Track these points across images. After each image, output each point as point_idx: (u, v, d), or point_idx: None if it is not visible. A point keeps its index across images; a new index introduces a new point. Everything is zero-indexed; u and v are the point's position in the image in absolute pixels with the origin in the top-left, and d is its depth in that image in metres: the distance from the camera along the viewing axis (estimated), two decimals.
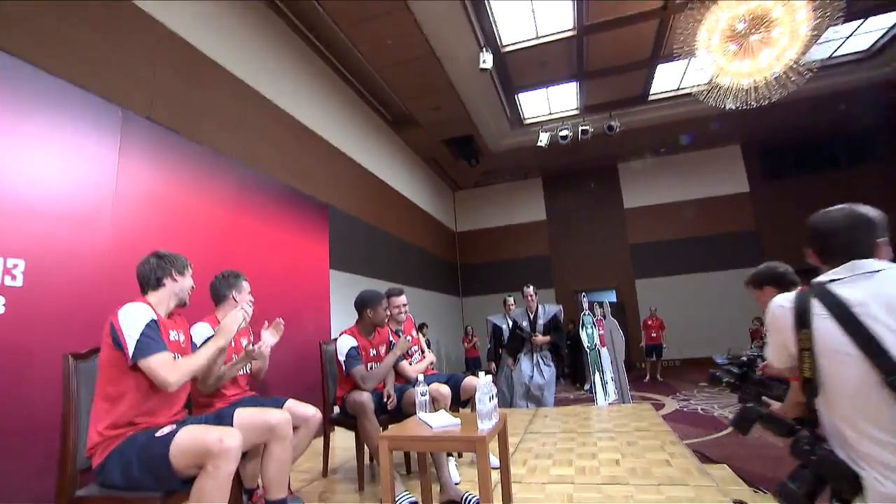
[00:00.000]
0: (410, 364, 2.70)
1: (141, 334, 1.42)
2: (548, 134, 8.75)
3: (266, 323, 2.07)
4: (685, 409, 5.57)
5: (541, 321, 4.47)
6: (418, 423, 1.76)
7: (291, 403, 2.01)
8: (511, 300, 5.02)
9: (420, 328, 7.80)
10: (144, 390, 1.47)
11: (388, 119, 8.29)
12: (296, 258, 3.66)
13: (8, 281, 1.76)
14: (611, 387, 5.17)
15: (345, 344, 2.39)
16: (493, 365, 5.06)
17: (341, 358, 2.37)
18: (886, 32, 7.60)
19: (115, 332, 1.43)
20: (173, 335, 1.61)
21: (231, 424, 1.54)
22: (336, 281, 5.30)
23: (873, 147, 9.94)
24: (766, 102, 5.53)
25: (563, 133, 8.59)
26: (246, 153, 4.46)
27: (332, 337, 3.31)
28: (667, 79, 8.14)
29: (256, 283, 3.16)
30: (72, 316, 1.94)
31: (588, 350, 5.25)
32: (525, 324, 4.52)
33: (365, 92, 7.37)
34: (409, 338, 2.63)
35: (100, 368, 1.46)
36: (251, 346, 1.94)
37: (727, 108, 7.95)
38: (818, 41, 5.12)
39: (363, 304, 2.50)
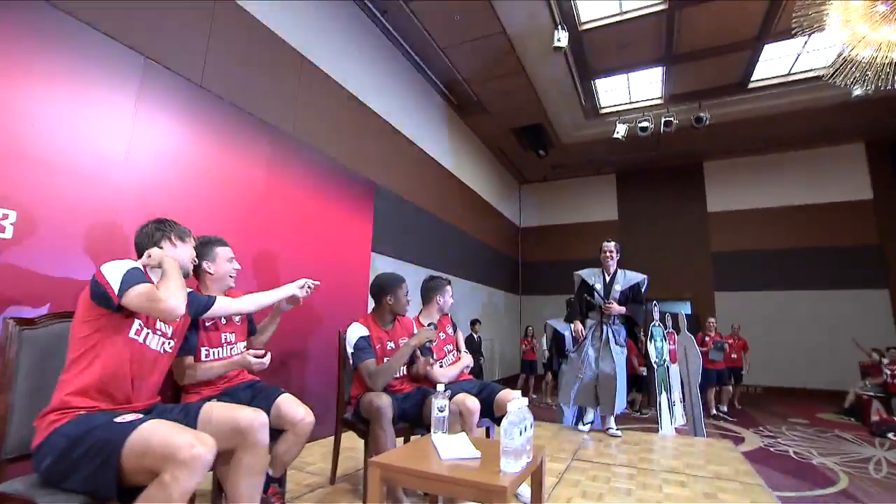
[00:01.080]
0: (441, 366, 2.30)
1: (126, 272, 1.24)
2: (626, 125, 7.92)
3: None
4: (772, 450, 4.69)
5: (618, 287, 3.52)
6: (429, 446, 1.36)
7: (283, 400, 1.70)
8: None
9: (472, 324, 7.40)
10: (117, 361, 1.24)
11: (454, 103, 7.92)
12: (335, 235, 3.41)
13: None
14: (678, 409, 4.46)
15: (354, 333, 2.05)
16: (550, 375, 4.49)
17: (349, 350, 2.04)
18: None
19: (95, 283, 1.22)
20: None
21: (195, 423, 1.25)
22: (379, 264, 5.05)
23: None
24: None
25: (644, 124, 7.72)
26: (289, 121, 4.27)
27: None
28: (774, 63, 7.00)
29: (289, 258, 2.95)
30: (61, 276, 1.76)
31: (656, 366, 4.55)
32: (598, 286, 3.55)
33: (429, 72, 7.04)
34: (432, 324, 2.22)
35: (70, 333, 1.24)
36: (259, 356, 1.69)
37: (854, 95, 6.72)
38: None
39: (381, 288, 2.14)
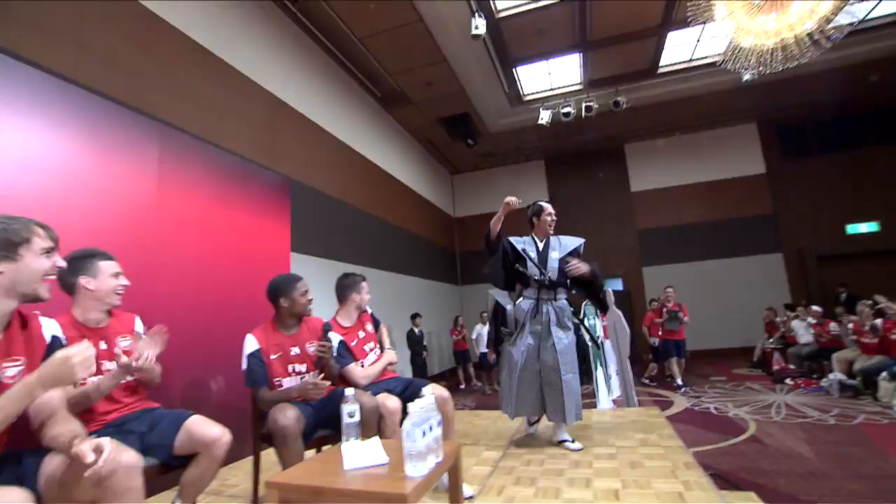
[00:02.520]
0: (363, 365, 2.19)
1: None
2: (549, 111, 8.14)
3: (141, 332, 1.59)
4: (696, 409, 5.06)
5: (555, 254, 2.84)
6: (337, 457, 1.27)
7: (193, 422, 1.52)
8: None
9: (413, 318, 7.32)
10: None
11: (378, 95, 7.72)
12: (246, 240, 3.17)
13: None
14: (615, 382, 4.66)
15: (245, 349, 1.92)
16: (495, 355, 4.01)
17: (243, 367, 1.89)
18: None
19: None
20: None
21: (35, 475, 1.05)
22: (303, 266, 4.83)
23: None
24: (794, 65, 4.87)
25: (566, 110, 7.97)
26: (188, 117, 3.93)
27: None
28: (678, 49, 7.47)
29: (193, 268, 2.70)
30: None
31: (590, 343, 4.72)
32: (532, 254, 2.84)
33: (350, 65, 6.80)
34: (325, 343, 2.04)
35: None
36: (130, 358, 1.46)
37: (745, 80, 7.34)
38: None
39: (273, 292, 2.00)
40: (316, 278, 4.97)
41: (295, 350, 1.99)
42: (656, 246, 10.25)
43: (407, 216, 8.57)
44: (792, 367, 6.56)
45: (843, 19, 4.75)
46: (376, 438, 1.37)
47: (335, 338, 2.11)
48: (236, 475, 2.52)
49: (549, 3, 6.05)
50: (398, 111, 8.26)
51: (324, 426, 1.92)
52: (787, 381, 6.10)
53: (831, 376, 5.35)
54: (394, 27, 6.03)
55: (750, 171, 9.87)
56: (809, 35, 4.80)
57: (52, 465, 1.07)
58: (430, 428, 1.10)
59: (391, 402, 1.87)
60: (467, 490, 1.90)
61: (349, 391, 1.42)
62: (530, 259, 2.82)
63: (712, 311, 9.31)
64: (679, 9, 6.12)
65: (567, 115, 7.96)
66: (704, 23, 4.97)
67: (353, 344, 2.19)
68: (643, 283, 10.24)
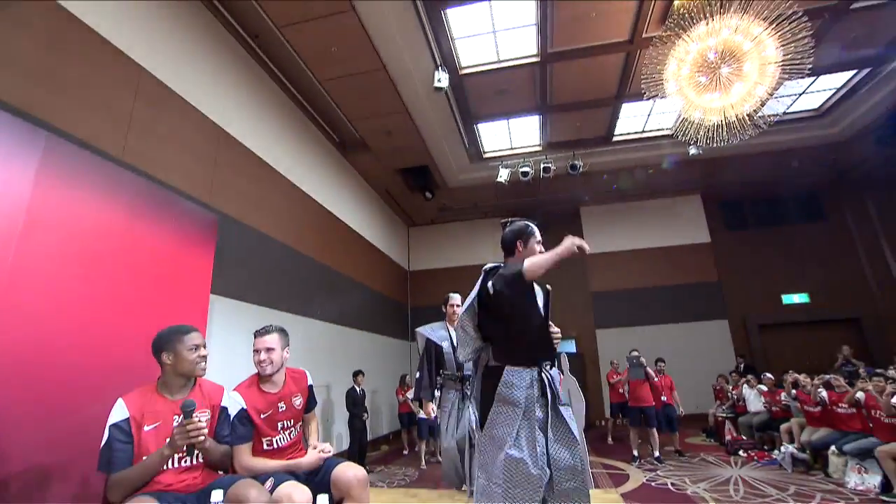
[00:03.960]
0: (269, 445, 1.71)
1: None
2: (508, 170, 8.24)
3: None
4: (653, 484, 4.74)
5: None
6: None
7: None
8: (457, 299, 3.52)
9: (355, 376, 6.63)
10: None
11: (336, 141, 7.54)
12: (161, 279, 2.67)
13: None
14: None
15: (112, 417, 1.45)
16: (433, 405, 3.29)
17: (102, 441, 1.41)
18: (836, 93, 7.72)
19: None
20: None
21: None
22: (227, 311, 4.29)
23: (818, 205, 10.16)
24: (737, 140, 5.18)
25: (524, 169, 8.10)
26: (113, 138, 3.49)
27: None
28: (631, 120, 7.90)
29: (82, 314, 2.17)
30: None
31: None
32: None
33: (308, 107, 6.62)
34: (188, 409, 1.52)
35: None
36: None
37: (691, 153, 7.81)
38: (776, 94, 4.93)
39: (156, 345, 1.56)
40: (239, 326, 4.42)
41: (177, 419, 1.52)
42: (610, 308, 10.29)
43: (358, 266, 8.14)
44: (744, 437, 6.45)
45: (770, 108, 5.20)
46: None
47: (235, 404, 1.66)
48: None
49: (511, 64, 6.23)
50: (356, 157, 8.08)
51: None
52: (741, 452, 5.96)
53: (783, 449, 5.29)
54: (356, 73, 5.96)
55: (696, 239, 10.33)
56: (749, 116, 5.18)
57: None
58: None
59: (298, 493, 1.41)
60: None
61: (216, 496, 0.99)
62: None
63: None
64: (633, 82, 6.48)
65: (525, 174, 8.07)
66: (656, 97, 5.25)
67: (262, 416, 1.73)
68: (596, 345, 10.14)
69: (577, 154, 8.12)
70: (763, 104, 4.98)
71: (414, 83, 6.20)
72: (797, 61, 4.43)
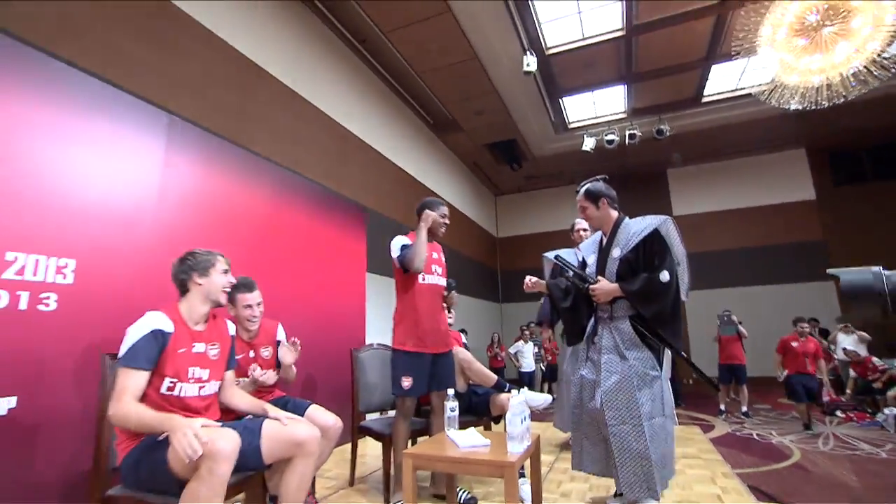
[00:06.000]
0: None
1: (136, 341, 1.39)
2: (593, 138, 8.46)
3: (282, 341, 2.10)
4: (738, 434, 5.10)
5: (616, 251, 2.18)
6: (447, 439, 1.68)
7: (313, 410, 1.98)
8: (583, 223, 3.11)
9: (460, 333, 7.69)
10: (159, 396, 1.43)
11: (430, 123, 8.30)
12: (332, 261, 3.69)
13: (59, 279, 1.84)
14: None
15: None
16: (549, 331, 3.06)
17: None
18: None
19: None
20: (197, 347, 1.54)
21: (259, 437, 1.51)
22: (373, 284, 5.33)
23: None
24: (841, 101, 5.00)
25: (610, 137, 8.28)
26: (286, 156, 4.57)
27: (368, 342, 3.28)
28: (723, 79, 7.66)
29: (292, 284, 3.21)
30: (117, 314, 2.00)
31: None
32: (592, 258, 2.29)
33: (407, 96, 7.41)
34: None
35: None
36: (261, 371, 1.96)
37: (791, 108, 7.42)
38: None
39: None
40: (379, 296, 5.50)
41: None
42: (699, 270, 10.21)
43: (453, 235, 9.05)
44: (843, 399, 6.44)
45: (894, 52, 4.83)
46: (472, 429, 1.76)
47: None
48: (327, 462, 2.97)
49: (596, 40, 6.44)
50: (448, 137, 8.81)
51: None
52: (838, 413, 5.96)
53: (887, 411, 5.18)
54: (450, 64, 6.59)
55: (796, 196, 9.78)
56: (854, 75, 4.90)
57: (269, 429, 1.55)
58: (524, 419, 1.50)
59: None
60: (525, 492, 2.04)
61: (450, 391, 1.83)
62: (575, 272, 2.15)
63: (759, 338, 9.20)
64: (724, 43, 6.37)
65: (611, 142, 8.25)
66: (748, 57, 5.15)
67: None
68: (685, 307, 10.22)
69: (662, 118, 8.09)
70: (889, 44, 4.55)
71: (503, 67, 6.70)
72: None
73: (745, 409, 6.02)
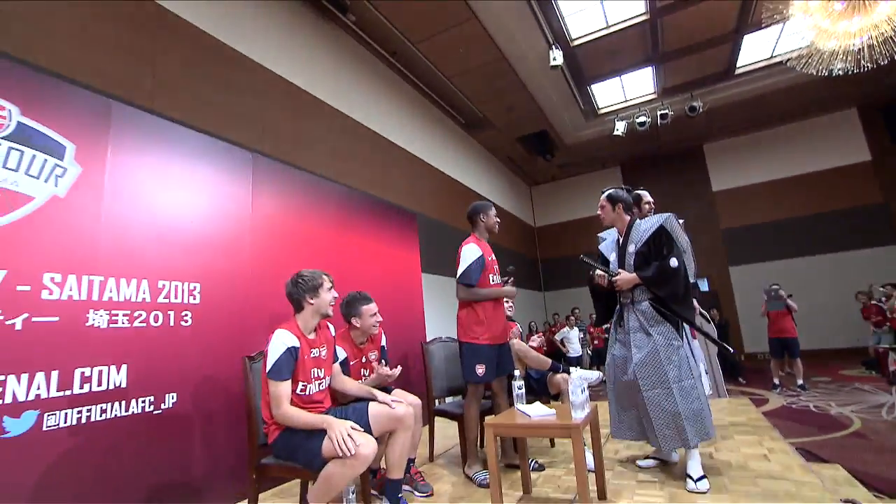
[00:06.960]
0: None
1: (278, 358, 1.72)
2: (624, 122, 8.49)
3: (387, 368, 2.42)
4: (794, 406, 5.08)
5: (632, 247, 2.45)
6: (517, 413, 1.99)
7: (398, 394, 2.33)
8: (648, 198, 3.32)
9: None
10: (297, 397, 1.81)
11: (462, 123, 8.58)
12: (391, 265, 4.06)
13: (191, 300, 2.29)
14: (705, 380, 4.95)
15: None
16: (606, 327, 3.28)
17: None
18: None
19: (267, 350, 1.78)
20: (314, 352, 1.90)
21: (366, 417, 1.88)
22: (427, 283, 5.71)
23: None
24: (886, 62, 4.87)
25: (641, 119, 8.29)
26: (342, 173, 5.01)
27: (430, 337, 3.61)
28: (757, 49, 7.50)
29: (356, 288, 3.60)
30: (233, 325, 2.44)
31: None
32: (613, 255, 2.58)
33: (439, 100, 7.72)
34: None
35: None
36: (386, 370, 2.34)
37: (836, 72, 7.16)
38: None
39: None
40: (444, 294, 5.87)
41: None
42: (743, 244, 10.04)
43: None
44: None
45: None
46: (538, 403, 2.07)
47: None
48: None
49: (621, 26, 6.51)
50: (480, 134, 9.07)
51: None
52: None
53: None
54: (478, 65, 6.84)
55: (851, 159, 9.39)
56: None
57: (374, 409, 1.92)
58: (583, 389, 1.79)
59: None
60: (589, 459, 2.20)
61: (517, 372, 2.15)
62: (600, 268, 2.51)
63: (813, 310, 8.97)
64: (755, 11, 6.27)
65: (642, 124, 8.26)
66: (782, 23, 5.06)
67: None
68: (731, 282, 10.07)
69: (694, 95, 8.01)
70: None
71: (530, 63, 6.88)
72: None
73: (800, 381, 5.98)
